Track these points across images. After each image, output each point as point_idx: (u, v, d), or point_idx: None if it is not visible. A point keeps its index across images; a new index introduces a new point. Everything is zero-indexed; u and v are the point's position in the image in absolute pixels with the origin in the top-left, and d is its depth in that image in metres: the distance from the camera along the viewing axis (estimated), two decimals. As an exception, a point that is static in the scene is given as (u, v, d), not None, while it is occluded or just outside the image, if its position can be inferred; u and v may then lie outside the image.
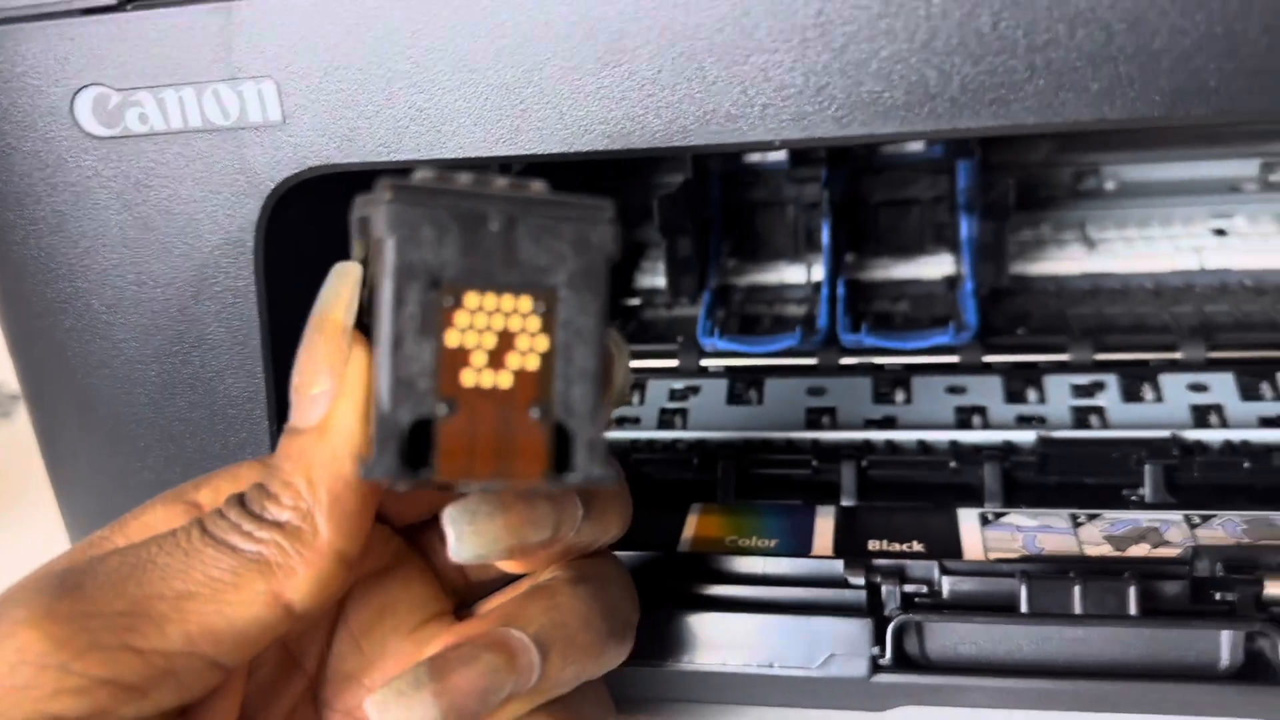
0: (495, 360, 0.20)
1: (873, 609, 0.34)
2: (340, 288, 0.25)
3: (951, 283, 0.51)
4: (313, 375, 0.24)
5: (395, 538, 0.30)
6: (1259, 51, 0.26)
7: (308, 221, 0.35)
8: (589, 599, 0.28)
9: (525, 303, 0.20)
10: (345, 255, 0.35)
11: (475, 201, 0.20)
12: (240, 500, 0.25)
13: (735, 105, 0.28)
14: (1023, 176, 0.54)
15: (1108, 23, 0.26)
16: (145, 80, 0.32)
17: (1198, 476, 0.40)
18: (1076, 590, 0.33)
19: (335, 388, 0.24)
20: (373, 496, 0.25)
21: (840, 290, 0.48)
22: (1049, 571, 0.33)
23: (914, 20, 0.27)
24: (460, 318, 0.20)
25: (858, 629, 0.33)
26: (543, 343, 0.21)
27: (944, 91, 0.27)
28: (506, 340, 0.20)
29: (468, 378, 0.20)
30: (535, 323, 0.21)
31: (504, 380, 0.21)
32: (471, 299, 0.20)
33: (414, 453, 0.20)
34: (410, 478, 0.20)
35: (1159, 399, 0.43)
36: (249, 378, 0.34)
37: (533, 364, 0.21)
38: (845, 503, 0.40)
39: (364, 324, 0.24)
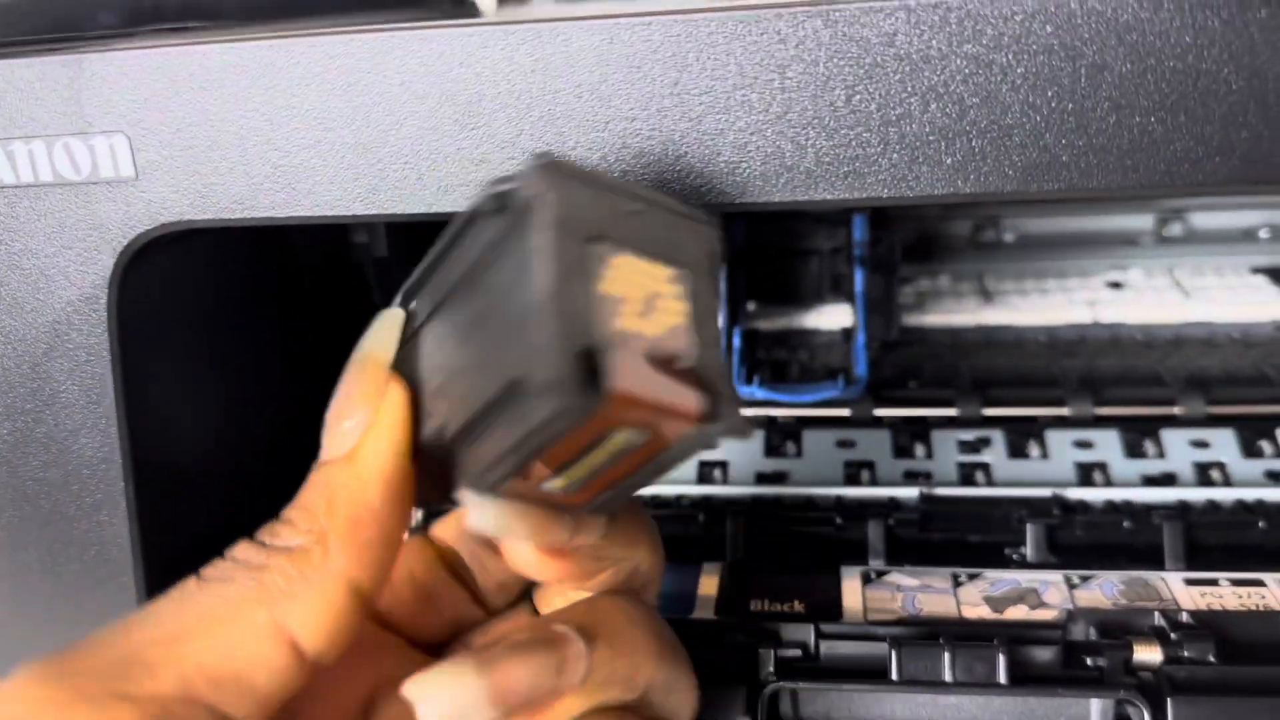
0: (644, 313, 0.21)
1: (747, 675, 0.34)
2: (387, 330, 0.25)
3: (849, 334, 0.51)
4: (348, 409, 0.24)
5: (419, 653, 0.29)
6: (1107, 129, 0.26)
7: (164, 279, 0.34)
8: (630, 605, 0.27)
9: (665, 271, 0.22)
10: (205, 312, 0.34)
11: (614, 184, 0.22)
12: (249, 536, 0.24)
13: (594, 170, 0.28)
14: (921, 228, 0.54)
15: (960, 97, 0.26)
16: (-5, 130, 0.31)
17: (1079, 535, 0.40)
18: (946, 656, 0.32)
19: (368, 418, 0.24)
20: (396, 531, 0.24)
21: (736, 341, 0.48)
22: (919, 636, 0.33)
23: (769, 92, 0.27)
24: (612, 272, 0.21)
25: (730, 698, 0.33)
26: (680, 308, 0.22)
27: (800, 163, 0.27)
28: (650, 300, 0.21)
29: (623, 322, 0.21)
30: (674, 290, 0.22)
31: (653, 329, 0.21)
32: (621, 260, 0.21)
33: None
34: (590, 399, 0.20)
35: (1045, 455, 0.43)
36: (103, 437, 0.33)
37: (677, 322, 0.22)
38: (730, 560, 0.40)
39: (401, 366, 0.25)
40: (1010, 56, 0.26)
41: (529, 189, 0.20)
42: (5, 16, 0.35)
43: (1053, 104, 0.26)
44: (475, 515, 0.23)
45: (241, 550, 0.24)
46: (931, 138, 0.27)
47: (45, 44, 0.31)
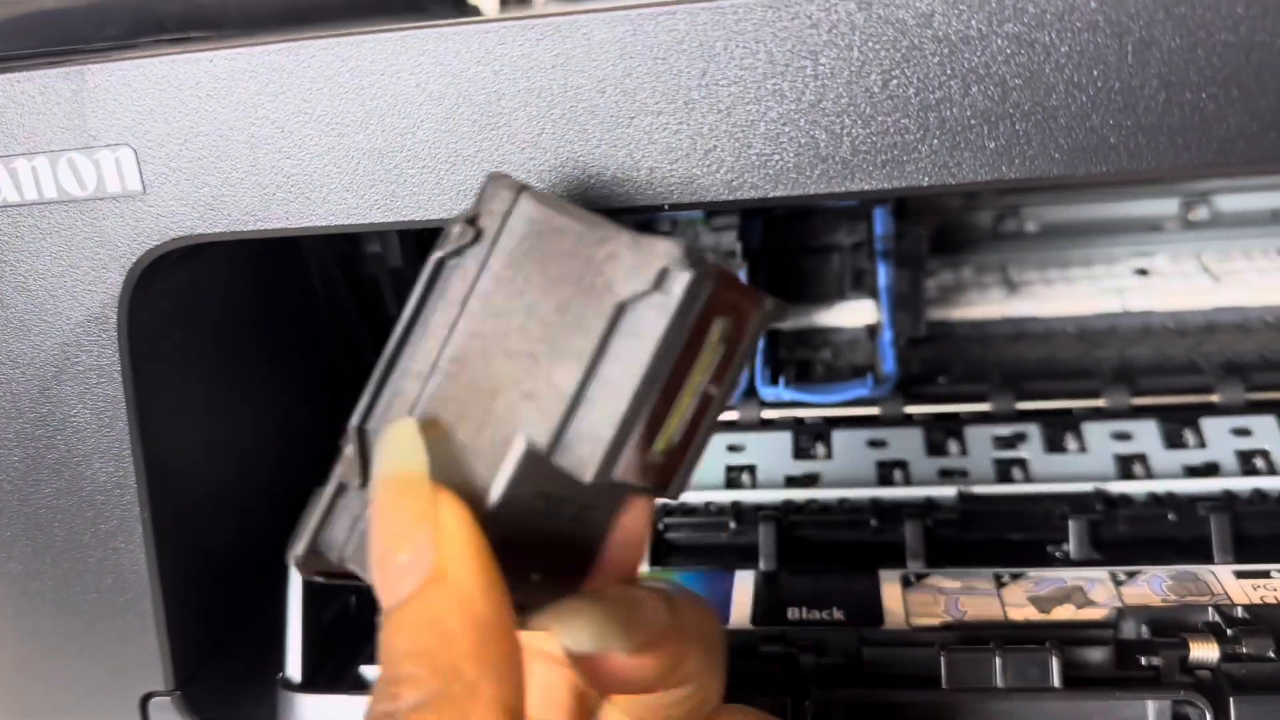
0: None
1: (790, 685, 0.33)
2: (406, 441, 0.22)
3: (873, 331, 0.50)
4: (398, 542, 0.21)
5: None
6: (1156, 107, 0.25)
7: (175, 296, 0.33)
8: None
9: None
10: (217, 329, 0.33)
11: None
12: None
13: (620, 169, 0.27)
14: (942, 219, 0.53)
15: (1002, 79, 0.25)
16: (-3, 148, 0.30)
17: (1123, 530, 0.39)
18: (997, 661, 0.31)
19: (433, 539, 0.21)
20: (515, 640, 0.21)
21: (759, 342, 0.47)
22: (968, 640, 0.32)
23: (802, 80, 0.26)
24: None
25: (772, 709, 0.32)
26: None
27: (835, 153, 0.26)
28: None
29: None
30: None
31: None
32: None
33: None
34: (709, 269, 0.21)
35: (1082, 449, 0.42)
36: (117, 462, 0.32)
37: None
38: (764, 567, 0.39)
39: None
40: (1053, 35, 0.25)
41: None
42: (4, 30, 0.34)
43: (1099, 83, 0.25)
44: (566, 633, 0.22)
45: None
46: (973, 122, 0.25)
47: (46, 57, 0.30)
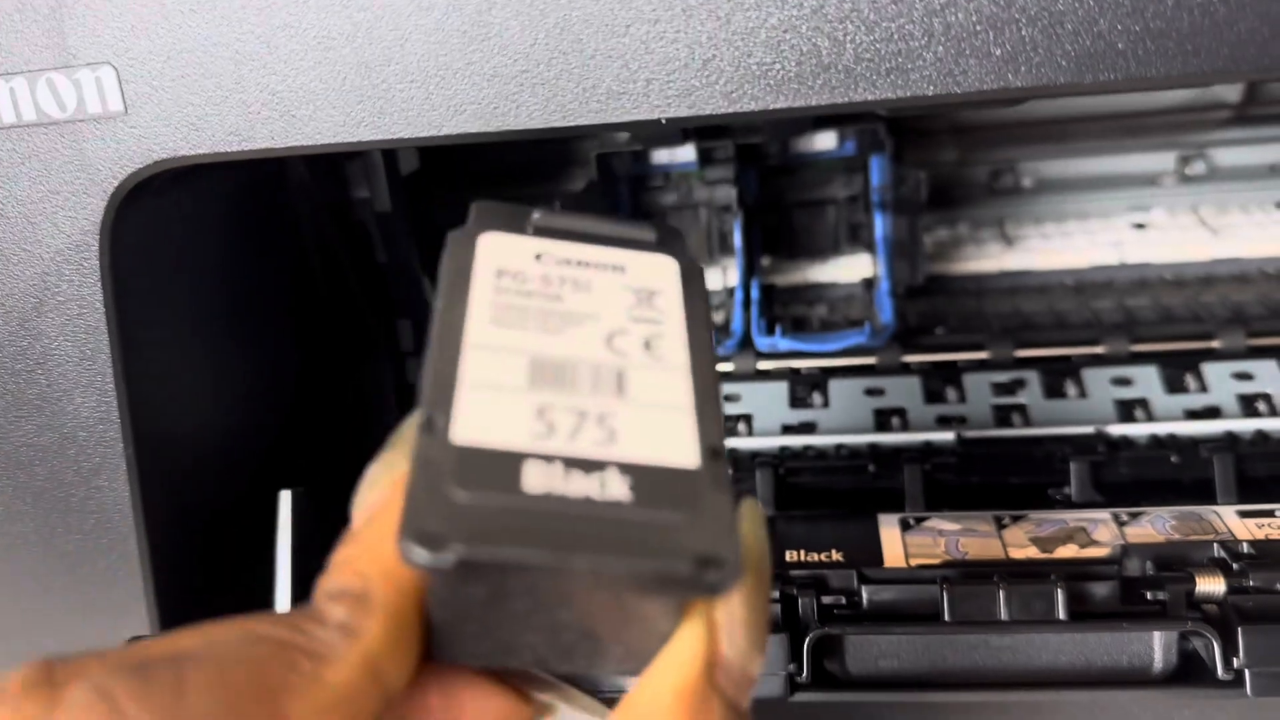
0: None
1: (789, 623, 0.32)
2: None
3: (869, 284, 0.49)
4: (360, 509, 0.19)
5: None
6: (1165, 11, 0.24)
7: (159, 226, 0.32)
8: None
9: None
10: (203, 265, 0.32)
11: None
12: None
13: (617, 81, 0.26)
14: (938, 175, 0.52)
15: (1007, -17, 0.25)
16: (-28, 71, 0.29)
17: (1125, 472, 0.38)
18: (1001, 595, 0.31)
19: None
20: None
21: (754, 293, 0.46)
22: (970, 576, 0.31)
23: (802, -17, 0.25)
24: None
25: (772, 645, 0.31)
26: None
27: (838, 61, 0.25)
28: None
29: None
30: None
31: None
32: None
33: None
34: None
35: (1082, 394, 0.42)
36: (99, 396, 0.31)
37: None
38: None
39: None
40: (1061, -65, 0.24)
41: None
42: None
43: (1106, -14, 0.24)
44: None
45: None
46: (978, 27, 0.25)
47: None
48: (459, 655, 0.19)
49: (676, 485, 0.17)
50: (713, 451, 0.18)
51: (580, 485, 0.17)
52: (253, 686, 0.17)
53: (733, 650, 0.18)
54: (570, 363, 0.19)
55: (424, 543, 0.16)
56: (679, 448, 0.18)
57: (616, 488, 0.17)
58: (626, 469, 0.17)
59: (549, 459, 0.17)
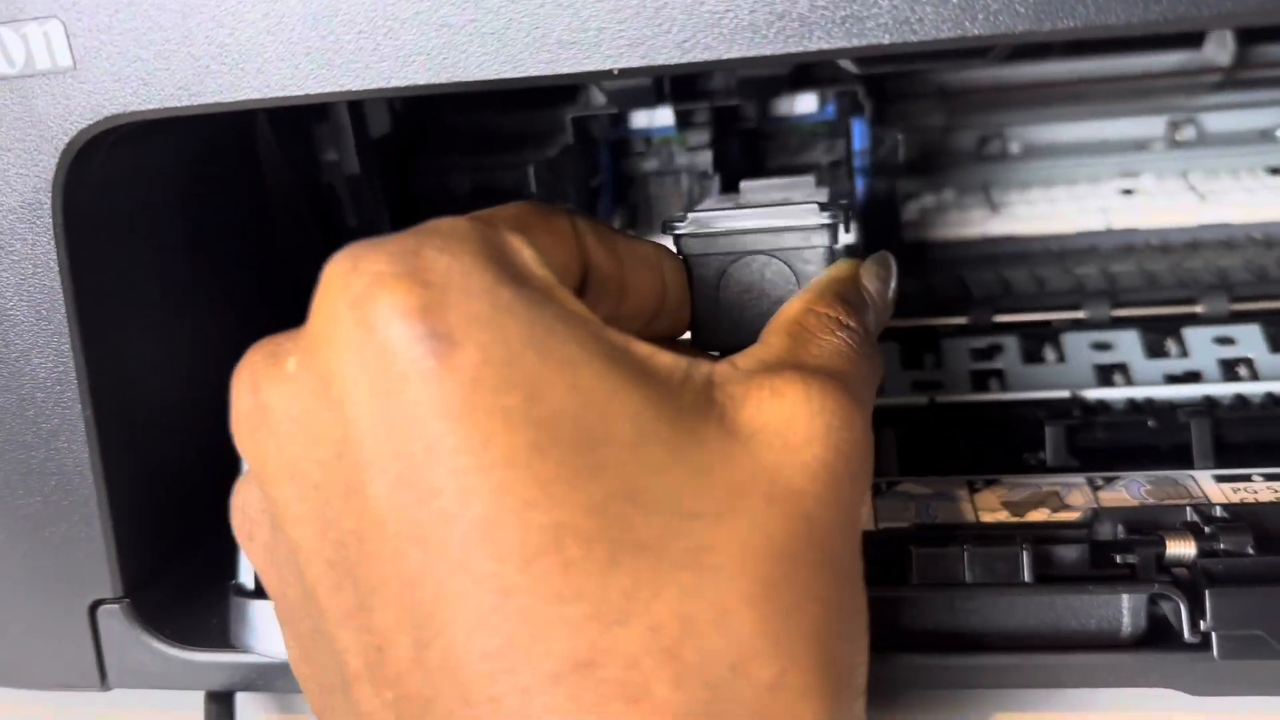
0: None
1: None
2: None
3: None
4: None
5: None
6: (1127, -46, 0.24)
7: (114, 184, 0.31)
8: None
9: None
10: (163, 225, 0.31)
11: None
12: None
13: (567, 30, 0.26)
14: (925, 141, 0.52)
15: (964, -73, 0.24)
16: (-81, 25, 0.28)
17: (1101, 437, 0.38)
18: (965, 557, 0.30)
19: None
20: None
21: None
22: (935, 539, 0.31)
23: (753, -73, 0.24)
24: None
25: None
26: None
27: (792, 9, 0.25)
28: None
29: None
30: None
31: None
32: None
33: None
34: None
35: (1061, 359, 0.41)
36: (56, 356, 0.31)
37: None
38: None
39: None
40: (1018, -125, 0.24)
41: None
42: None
43: (1066, -71, 0.24)
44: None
45: None
46: (933, -28, 0.24)
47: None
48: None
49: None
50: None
51: None
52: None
53: (868, 281, 0.29)
54: None
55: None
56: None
57: None
58: None
59: None
